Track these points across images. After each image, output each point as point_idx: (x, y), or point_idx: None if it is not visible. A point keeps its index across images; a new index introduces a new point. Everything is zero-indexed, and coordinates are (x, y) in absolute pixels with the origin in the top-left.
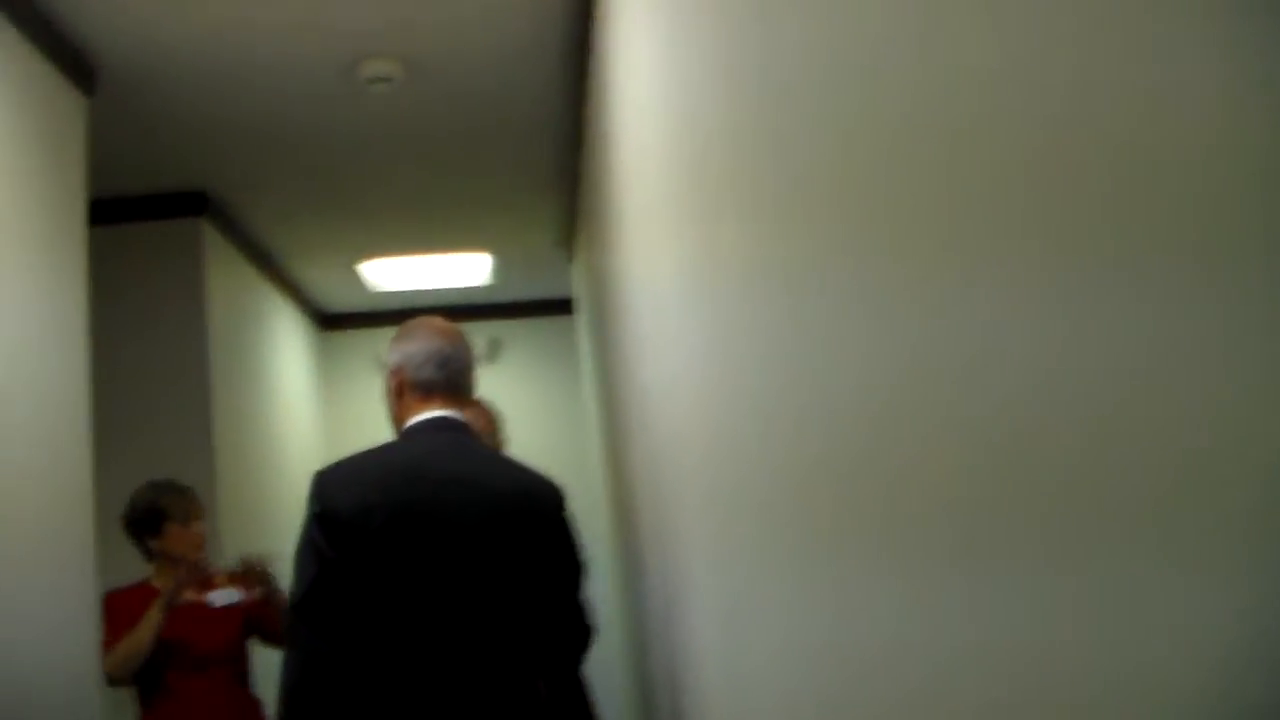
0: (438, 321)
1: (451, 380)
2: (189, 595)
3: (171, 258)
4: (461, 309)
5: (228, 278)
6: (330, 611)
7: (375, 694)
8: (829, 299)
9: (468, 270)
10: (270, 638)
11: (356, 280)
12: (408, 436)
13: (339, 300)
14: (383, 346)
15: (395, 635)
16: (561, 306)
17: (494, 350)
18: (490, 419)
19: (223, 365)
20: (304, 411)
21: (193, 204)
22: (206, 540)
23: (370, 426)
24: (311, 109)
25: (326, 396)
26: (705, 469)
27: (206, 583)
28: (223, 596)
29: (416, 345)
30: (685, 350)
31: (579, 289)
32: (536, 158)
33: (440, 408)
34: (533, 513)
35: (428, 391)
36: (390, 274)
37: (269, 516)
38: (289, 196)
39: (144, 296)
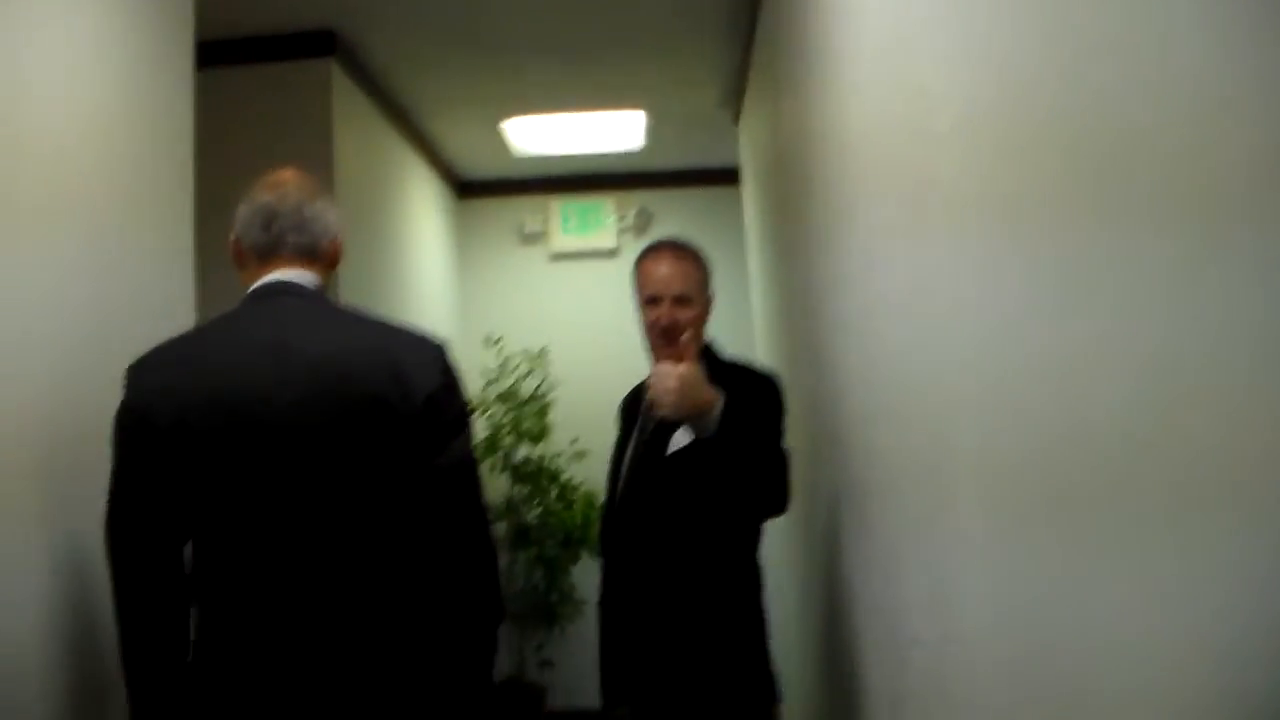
0: (274, 174)
1: (281, 239)
2: None
3: (296, 102)
4: (611, 177)
5: (358, 129)
6: (136, 529)
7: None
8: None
9: (619, 132)
10: None
11: (498, 140)
12: (235, 311)
13: (479, 165)
14: (526, 217)
15: (213, 557)
16: (721, 176)
17: (644, 223)
18: (698, 270)
19: (350, 225)
20: (438, 284)
21: (320, 44)
22: None
23: (510, 303)
24: None
25: (463, 270)
26: (983, 431)
27: None
28: None
29: (246, 206)
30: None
31: (745, 157)
32: None
33: (279, 270)
34: (383, 383)
35: (261, 256)
36: (535, 135)
37: None
38: (426, 39)
39: (265, 144)
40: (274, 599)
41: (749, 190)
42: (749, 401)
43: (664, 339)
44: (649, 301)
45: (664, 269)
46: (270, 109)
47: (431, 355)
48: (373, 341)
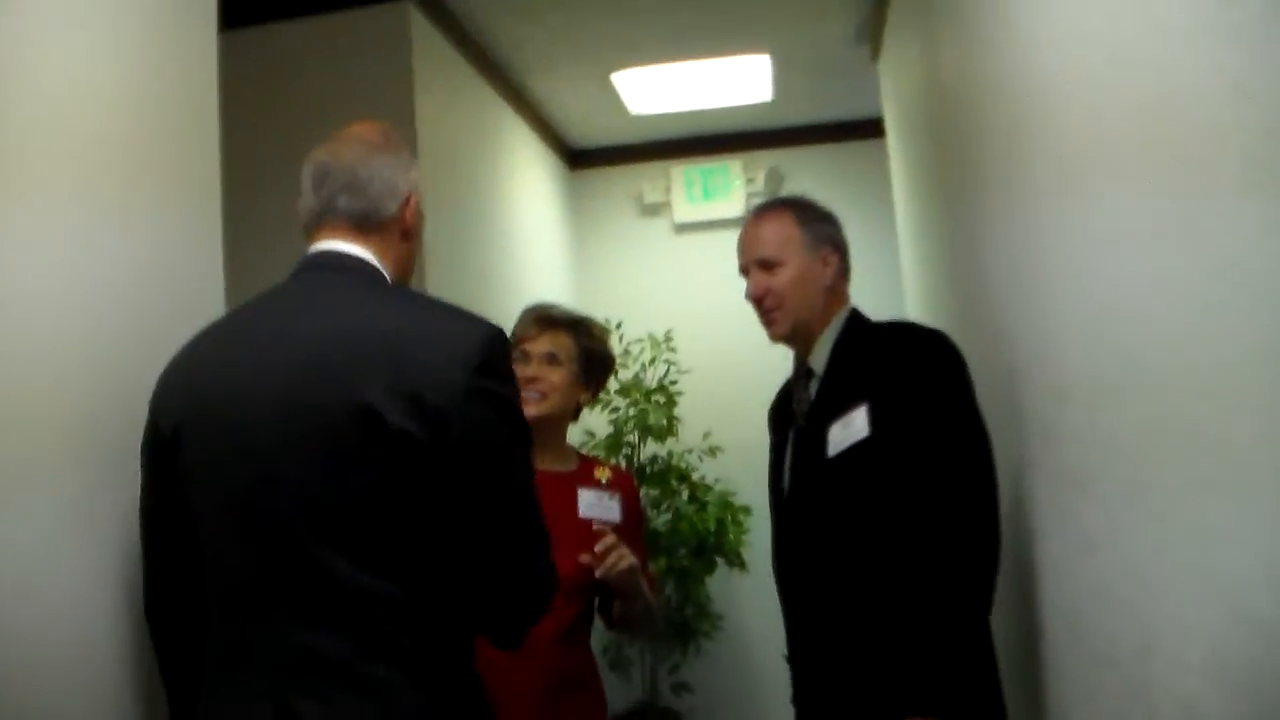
0: (344, 130)
1: (331, 204)
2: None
3: (370, 55)
4: (737, 136)
5: (446, 87)
6: (150, 549)
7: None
8: None
9: (743, 82)
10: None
11: (610, 98)
12: (267, 292)
13: (591, 130)
14: (645, 186)
15: (206, 584)
16: (861, 129)
17: (775, 185)
18: (785, 225)
19: (438, 199)
20: (550, 264)
21: None
22: (563, 385)
23: (631, 282)
24: None
25: (578, 247)
26: None
27: (580, 470)
28: (594, 503)
29: (305, 166)
30: None
31: (889, 102)
32: None
33: (325, 240)
34: (378, 387)
35: (312, 222)
36: (650, 90)
37: None
38: None
39: (335, 105)
40: (238, 641)
41: (894, 141)
42: (918, 371)
43: (760, 313)
44: (743, 274)
45: (745, 234)
46: (340, 64)
47: (458, 349)
48: (385, 328)
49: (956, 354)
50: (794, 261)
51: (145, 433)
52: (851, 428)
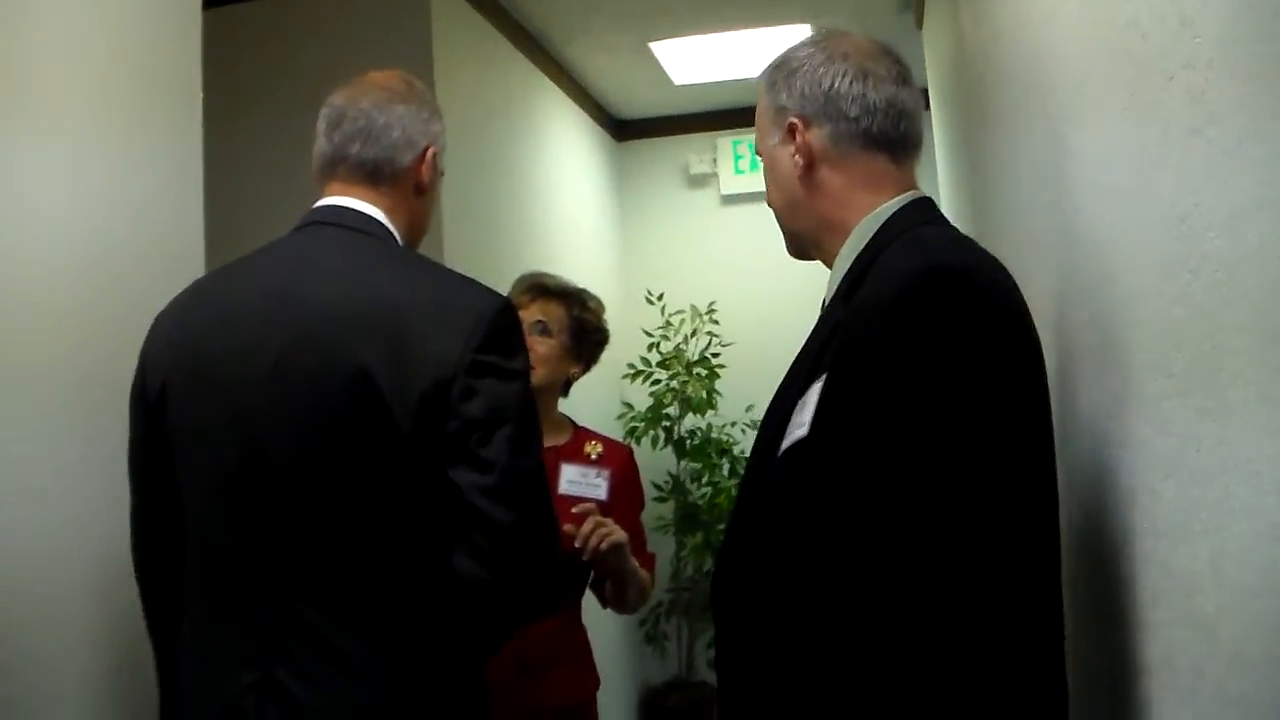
0: (364, 76)
1: (342, 151)
2: None
3: (383, 26)
4: None
5: (472, 56)
6: (137, 506)
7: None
8: None
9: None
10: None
11: (651, 68)
12: (267, 246)
13: (635, 100)
14: (692, 157)
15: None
16: None
17: None
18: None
19: (460, 171)
20: (594, 237)
21: None
22: (552, 356)
23: (676, 254)
24: None
25: (623, 219)
26: None
27: (570, 445)
28: (576, 480)
29: (322, 110)
30: None
31: (931, 71)
32: None
33: (334, 194)
34: (377, 353)
35: (321, 171)
36: (692, 59)
37: None
38: None
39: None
40: (216, 605)
41: (935, 111)
42: (885, 341)
43: None
44: None
45: None
46: (353, 35)
47: (461, 322)
48: (389, 297)
49: (966, 311)
50: (762, 148)
51: (134, 386)
52: (802, 414)
